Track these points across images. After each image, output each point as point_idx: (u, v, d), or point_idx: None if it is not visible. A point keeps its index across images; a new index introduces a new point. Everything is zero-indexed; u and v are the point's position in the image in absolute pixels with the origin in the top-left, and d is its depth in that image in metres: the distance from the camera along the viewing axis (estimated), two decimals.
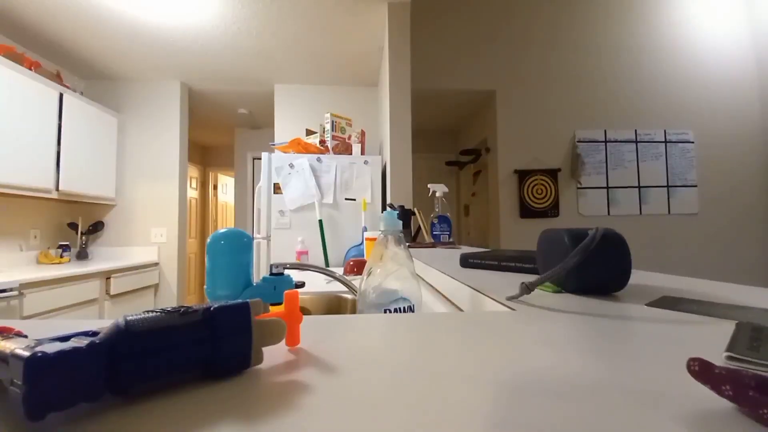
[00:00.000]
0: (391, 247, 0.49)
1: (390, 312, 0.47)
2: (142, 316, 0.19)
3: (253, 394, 0.19)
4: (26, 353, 0.15)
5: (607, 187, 3.27)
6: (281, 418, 0.16)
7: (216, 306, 0.21)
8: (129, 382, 0.17)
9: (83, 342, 0.16)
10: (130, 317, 0.18)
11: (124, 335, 0.18)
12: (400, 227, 0.51)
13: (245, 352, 0.21)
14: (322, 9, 2.14)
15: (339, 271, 1.48)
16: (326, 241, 2.04)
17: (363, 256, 1.66)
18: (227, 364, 0.21)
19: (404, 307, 0.47)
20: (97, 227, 2.91)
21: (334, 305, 1.11)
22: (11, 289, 1.74)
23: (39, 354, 0.15)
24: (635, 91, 3.35)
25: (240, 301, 0.22)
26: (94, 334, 0.19)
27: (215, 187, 5.26)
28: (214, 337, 0.20)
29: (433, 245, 1.46)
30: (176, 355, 0.19)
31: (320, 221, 2.04)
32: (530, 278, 0.41)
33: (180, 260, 3.09)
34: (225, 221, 5.46)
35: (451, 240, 1.53)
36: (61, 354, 0.15)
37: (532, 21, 3.27)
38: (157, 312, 0.20)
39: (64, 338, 0.18)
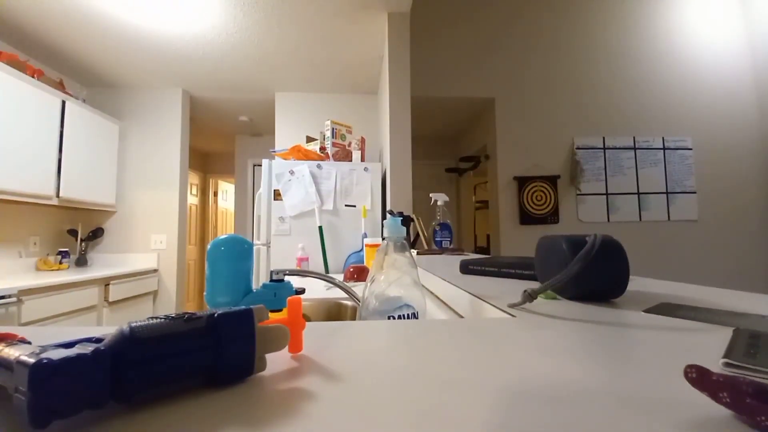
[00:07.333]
0: (394, 254, 0.50)
1: (394, 319, 0.47)
2: (147, 323, 0.19)
3: (257, 401, 0.19)
4: (31, 360, 0.15)
5: (607, 194, 3.28)
6: (285, 426, 0.16)
7: (220, 312, 0.21)
8: (133, 390, 0.18)
9: (88, 349, 0.17)
10: (135, 324, 0.19)
11: (128, 342, 0.18)
12: (404, 234, 0.51)
13: (249, 359, 0.21)
14: (322, 18, 2.17)
15: (339, 277, 1.48)
16: (326, 247, 2.04)
17: (363, 262, 1.66)
18: (231, 371, 0.21)
19: (407, 314, 0.47)
20: (96, 234, 2.91)
21: (334, 312, 1.10)
22: (10, 296, 1.73)
23: (44, 361, 0.15)
24: (633, 98, 3.38)
25: (243, 307, 0.22)
26: (99, 340, 0.19)
27: (215, 194, 5.26)
28: (218, 344, 0.20)
29: (441, 252, 1.47)
30: (180, 363, 0.19)
31: (320, 228, 2.04)
32: (531, 285, 0.42)
33: (179, 267, 3.09)
34: (225, 228, 5.45)
35: (452, 246, 1.54)
36: (66, 361, 0.15)
37: (531, 29, 3.31)
38: (161, 318, 0.20)
39: (69, 345, 0.18)
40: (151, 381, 0.18)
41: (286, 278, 0.63)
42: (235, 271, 0.56)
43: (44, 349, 0.17)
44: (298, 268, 1.76)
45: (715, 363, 0.22)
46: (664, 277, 3.19)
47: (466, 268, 0.75)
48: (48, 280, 1.99)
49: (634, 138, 3.34)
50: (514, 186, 3.22)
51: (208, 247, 0.55)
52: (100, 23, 2.18)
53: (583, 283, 0.42)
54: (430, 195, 1.59)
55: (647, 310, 0.38)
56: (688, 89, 3.42)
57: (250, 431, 0.16)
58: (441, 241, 1.54)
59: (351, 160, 2.28)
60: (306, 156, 2.22)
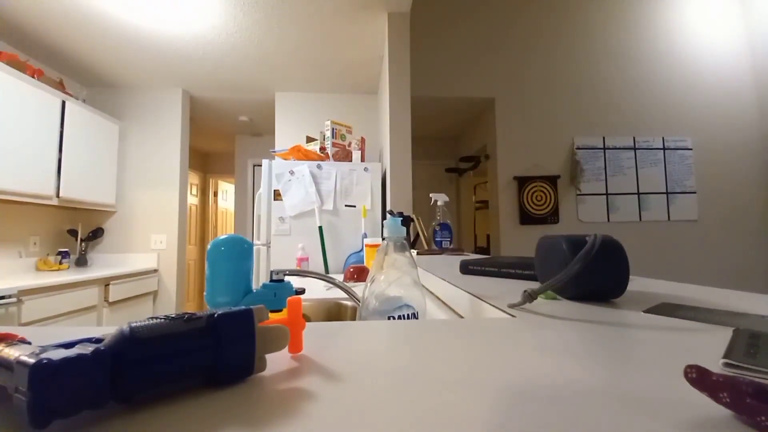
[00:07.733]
0: (394, 254, 0.49)
1: (394, 319, 0.47)
2: (147, 323, 0.19)
3: (257, 401, 0.19)
4: (31, 360, 0.15)
5: (607, 194, 3.28)
6: (285, 426, 0.16)
7: (220, 312, 0.21)
8: (133, 390, 0.18)
9: (88, 349, 0.17)
10: (135, 324, 0.18)
11: (128, 342, 0.18)
12: (404, 234, 0.51)
13: (249, 359, 0.21)
14: (322, 18, 2.17)
15: (339, 277, 1.48)
16: (326, 247, 2.04)
17: (363, 262, 1.66)
18: (231, 371, 0.21)
19: (407, 314, 0.47)
20: (96, 234, 2.90)
21: (333, 312, 1.10)
22: (10, 296, 1.73)
23: (44, 361, 0.15)
24: (633, 98, 3.38)
25: (243, 307, 0.22)
26: (99, 340, 0.19)
27: (215, 194, 5.26)
28: (218, 344, 0.20)
29: (441, 252, 1.47)
30: (180, 363, 0.19)
31: (320, 228, 2.04)
32: (531, 285, 0.42)
33: (179, 267, 3.09)
34: (225, 228, 5.46)
35: (452, 246, 1.54)
36: (66, 361, 0.15)
37: (531, 29, 3.31)
38: (161, 318, 0.20)
39: (69, 345, 0.18)
40: (151, 381, 0.18)
41: (286, 278, 0.63)
42: (235, 271, 0.55)
43: (44, 349, 0.17)
44: (298, 268, 1.76)
45: (715, 363, 0.22)
46: (664, 277, 3.19)
47: (466, 268, 0.75)
48: (48, 280, 1.99)
49: (634, 138, 3.34)
50: (514, 186, 3.22)
51: (208, 247, 0.55)
52: (100, 23, 2.18)
53: (583, 283, 0.42)
54: (430, 195, 1.59)
55: (647, 310, 0.38)
56: (688, 89, 3.42)
57: (250, 431, 0.16)
58: (441, 241, 1.54)
59: (351, 160, 2.28)
60: (306, 156, 2.22)
